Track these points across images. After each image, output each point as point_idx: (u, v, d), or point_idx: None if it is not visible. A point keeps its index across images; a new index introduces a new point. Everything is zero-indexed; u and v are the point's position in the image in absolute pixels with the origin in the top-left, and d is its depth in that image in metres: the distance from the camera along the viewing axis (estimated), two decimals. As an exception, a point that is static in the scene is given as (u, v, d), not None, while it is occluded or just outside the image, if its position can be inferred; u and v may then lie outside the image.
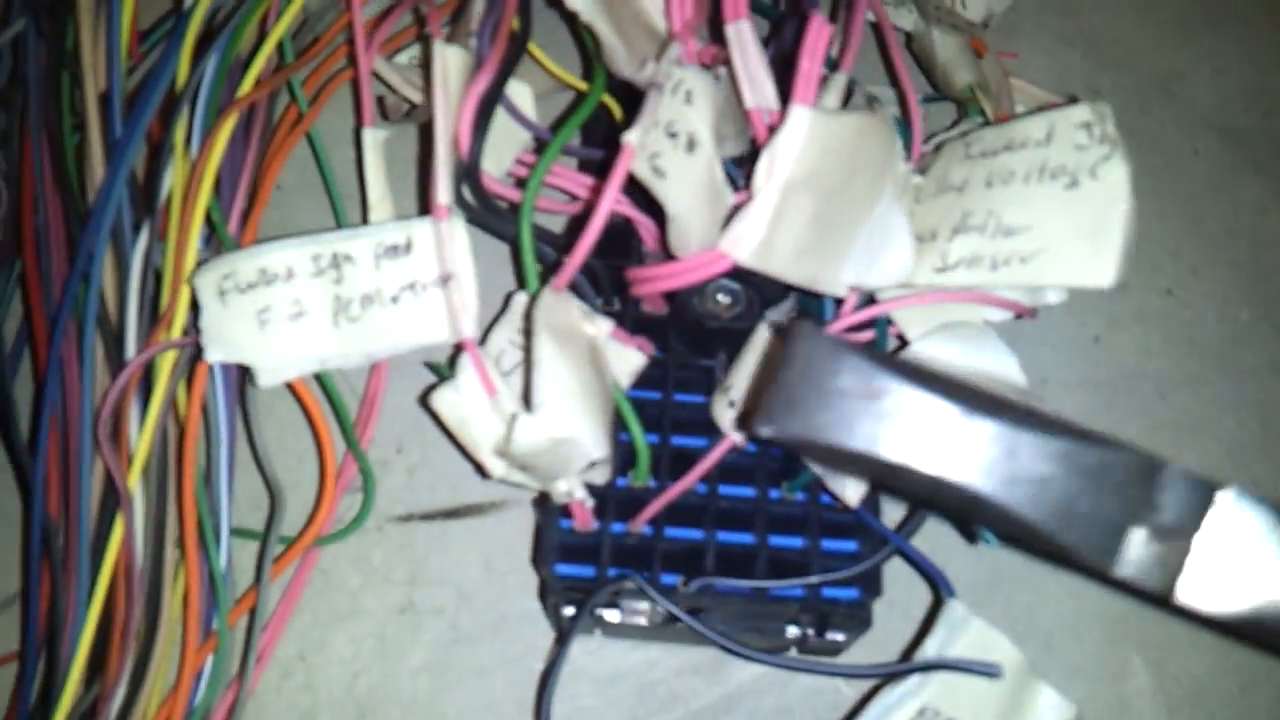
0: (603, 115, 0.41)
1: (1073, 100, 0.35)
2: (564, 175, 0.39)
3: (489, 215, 0.35)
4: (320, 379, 0.39)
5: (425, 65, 0.39)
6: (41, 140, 0.39)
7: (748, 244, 0.32)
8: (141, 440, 0.36)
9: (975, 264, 0.32)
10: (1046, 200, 0.31)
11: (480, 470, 0.34)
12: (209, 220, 0.38)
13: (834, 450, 0.25)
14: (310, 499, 0.40)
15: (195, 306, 0.35)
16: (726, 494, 0.36)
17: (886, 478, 0.25)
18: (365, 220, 0.38)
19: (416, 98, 0.42)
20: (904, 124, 0.38)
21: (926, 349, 0.34)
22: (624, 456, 0.36)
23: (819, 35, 0.32)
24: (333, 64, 0.44)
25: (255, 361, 0.34)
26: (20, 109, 0.42)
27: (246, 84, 0.38)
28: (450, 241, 0.34)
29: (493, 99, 0.35)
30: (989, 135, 0.33)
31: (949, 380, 0.25)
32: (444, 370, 0.38)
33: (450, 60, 0.35)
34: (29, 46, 0.40)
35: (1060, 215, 0.31)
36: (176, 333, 0.36)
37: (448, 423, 0.34)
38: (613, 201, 0.32)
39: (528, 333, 0.34)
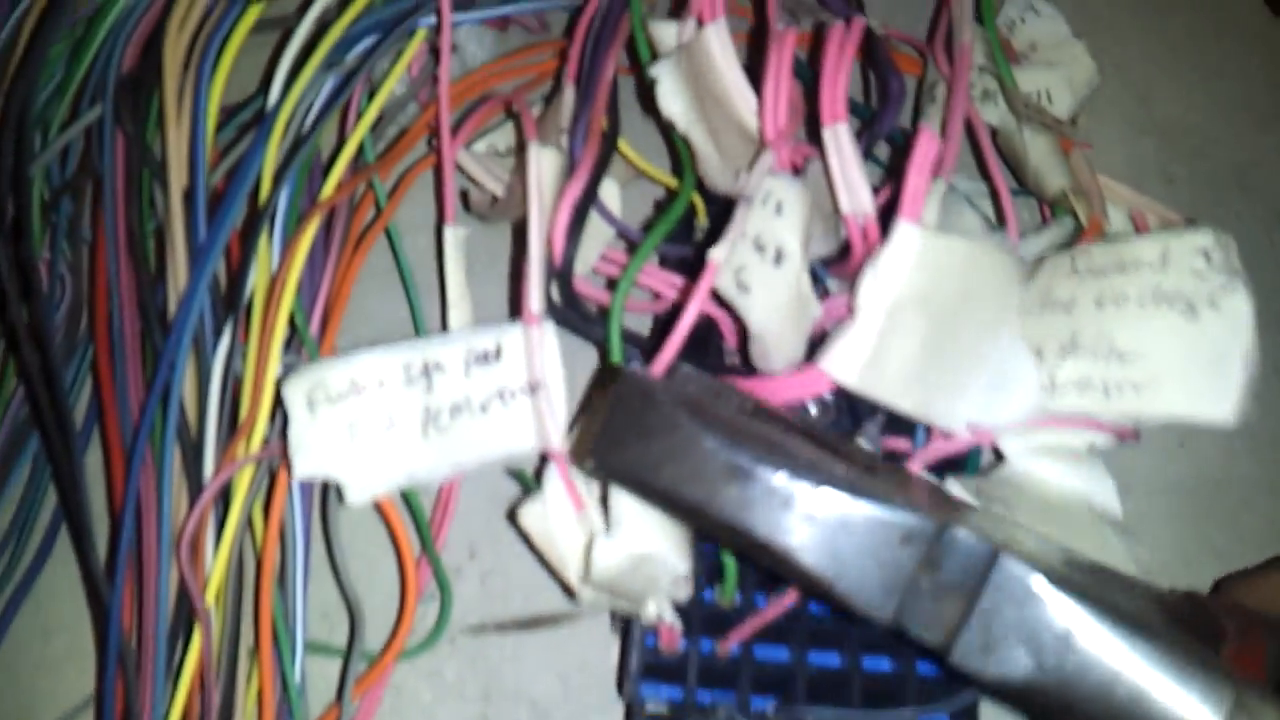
0: (689, 209, 0.40)
1: (1190, 222, 0.35)
2: (649, 273, 0.39)
3: (578, 319, 0.35)
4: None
5: (519, 165, 0.39)
6: (118, 238, 0.38)
7: (852, 365, 0.31)
8: (219, 558, 0.35)
9: (1086, 388, 0.31)
10: (1163, 327, 0.30)
11: (568, 592, 0.33)
12: (291, 323, 0.37)
13: (645, 487, 0.28)
14: (382, 606, 0.40)
15: (279, 416, 0.34)
16: (816, 609, 0.36)
17: (694, 520, 0.28)
18: (443, 314, 0.37)
19: (499, 190, 0.41)
20: (998, 224, 0.38)
21: (1024, 465, 0.33)
22: (709, 568, 0.35)
23: (928, 149, 0.31)
24: (409, 148, 0.43)
25: (344, 477, 0.34)
26: (91, 201, 0.41)
27: (328, 188, 0.38)
28: (540, 349, 0.34)
29: (587, 203, 0.35)
30: (1098, 253, 0.33)
31: (752, 428, 0.27)
32: (527, 479, 0.37)
33: (545, 164, 0.35)
34: (105, 138, 0.39)
35: (1178, 344, 0.30)
36: (256, 443, 0.36)
37: (534, 539, 0.34)
38: (695, 316, 0.32)
39: None
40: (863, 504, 0.26)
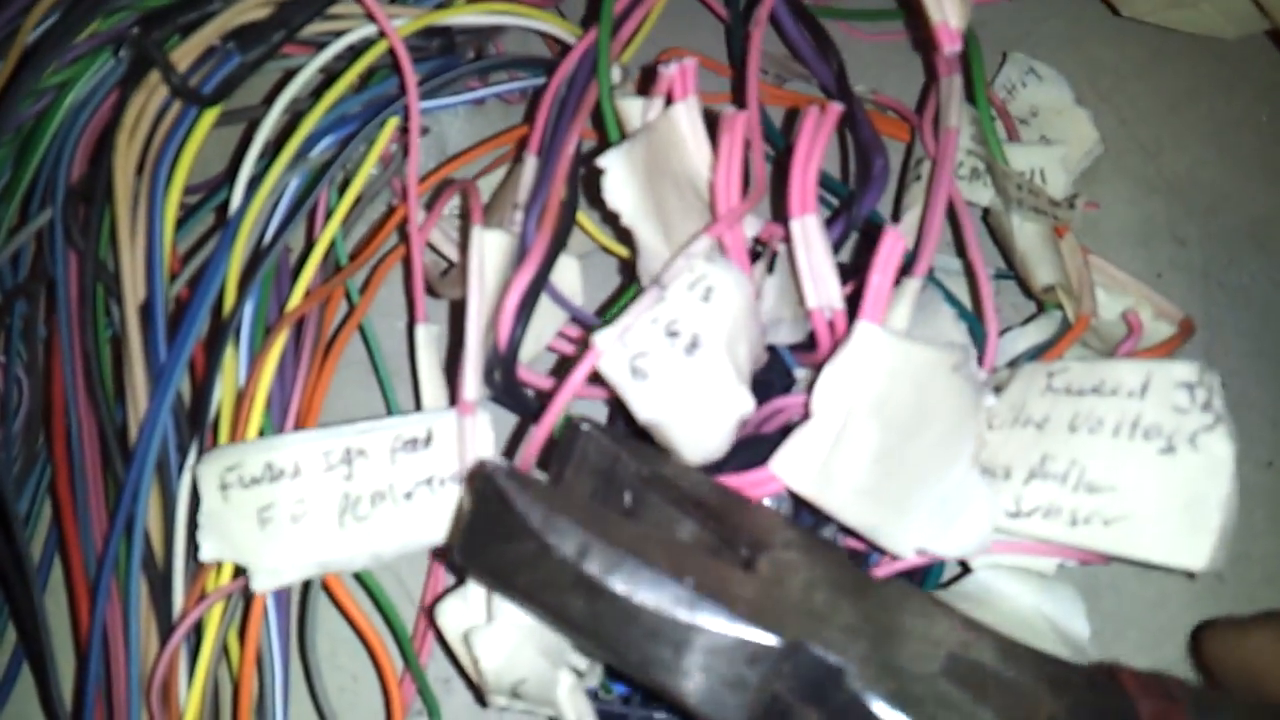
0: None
1: (1186, 328, 0.33)
2: None
3: (521, 407, 0.34)
4: (369, 589, 0.36)
5: (463, 247, 0.37)
6: (74, 356, 0.36)
7: (804, 470, 0.30)
8: (192, 697, 0.33)
9: (1053, 515, 0.30)
10: (1138, 461, 0.29)
11: (480, 700, 0.33)
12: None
13: (504, 590, 0.28)
14: (367, 724, 0.38)
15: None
16: None
17: (555, 627, 0.28)
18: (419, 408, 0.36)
19: (455, 255, 0.40)
20: (975, 317, 0.36)
21: (988, 581, 0.33)
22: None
23: (892, 250, 0.30)
24: (382, 241, 0.41)
25: (251, 563, 0.33)
26: (45, 304, 0.39)
27: (297, 295, 0.36)
28: (474, 440, 0.33)
29: (538, 287, 0.33)
30: (1076, 371, 0.31)
31: (615, 529, 0.26)
32: None
33: (489, 247, 0.34)
34: (56, 249, 0.38)
35: (1152, 482, 0.29)
36: (227, 573, 0.34)
37: (449, 638, 0.33)
38: (563, 404, 0.31)
39: None
40: (706, 620, 0.25)
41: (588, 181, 0.44)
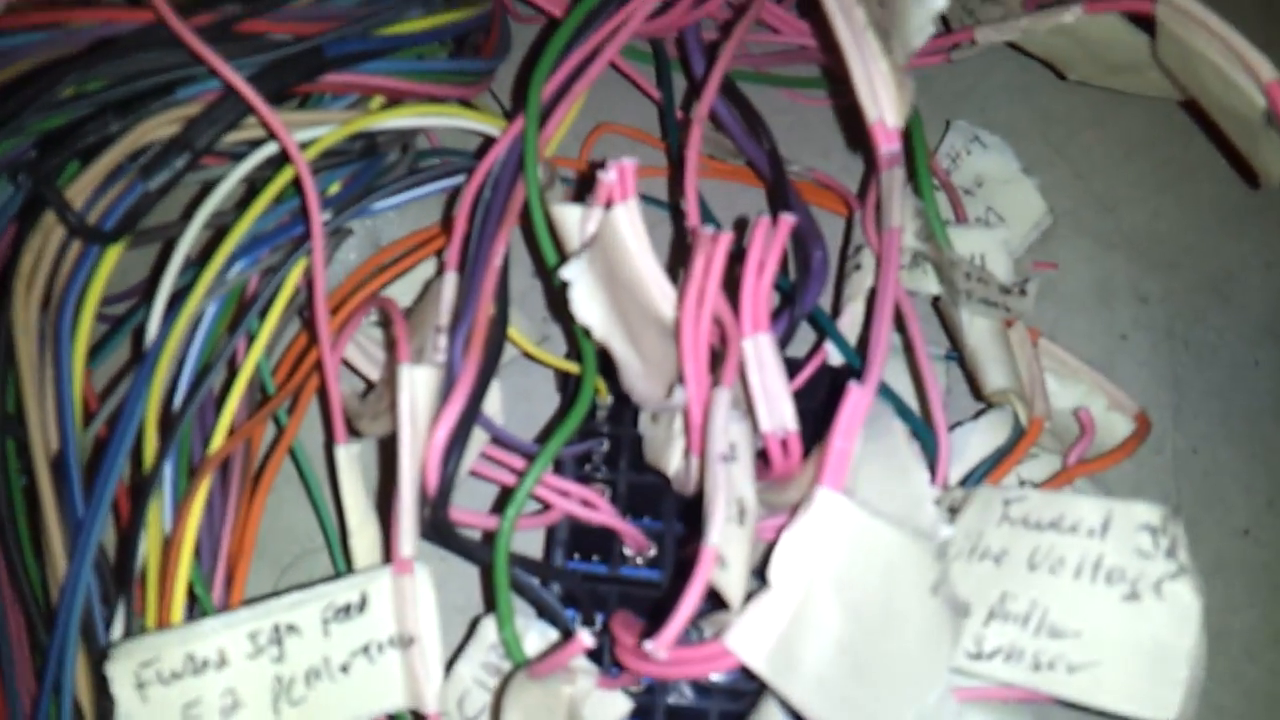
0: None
1: (1143, 420, 0.32)
2: (541, 482, 0.36)
3: (458, 547, 0.32)
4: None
5: (389, 382, 0.36)
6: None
7: (761, 646, 0.28)
8: None
9: (1015, 659, 0.30)
10: (1101, 607, 0.29)
11: None
12: (191, 592, 0.34)
13: None
14: None
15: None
16: None
17: None
18: (344, 540, 0.35)
19: (374, 375, 0.39)
20: (926, 438, 0.35)
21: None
22: None
23: (856, 411, 0.29)
24: (307, 364, 0.40)
25: None
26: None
27: (219, 436, 0.35)
28: (412, 600, 0.32)
29: (468, 425, 0.32)
30: (1034, 503, 0.31)
31: None
32: None
33: (419, 386, 0.33)
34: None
35: (1116, 630, 0.28)
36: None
37: None
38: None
39: (496, 704, 0.31)
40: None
41: (550, 294, 0.44)
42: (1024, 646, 0.29)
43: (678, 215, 0.45)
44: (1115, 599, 0.28)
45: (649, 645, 0.27)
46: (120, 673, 0.30)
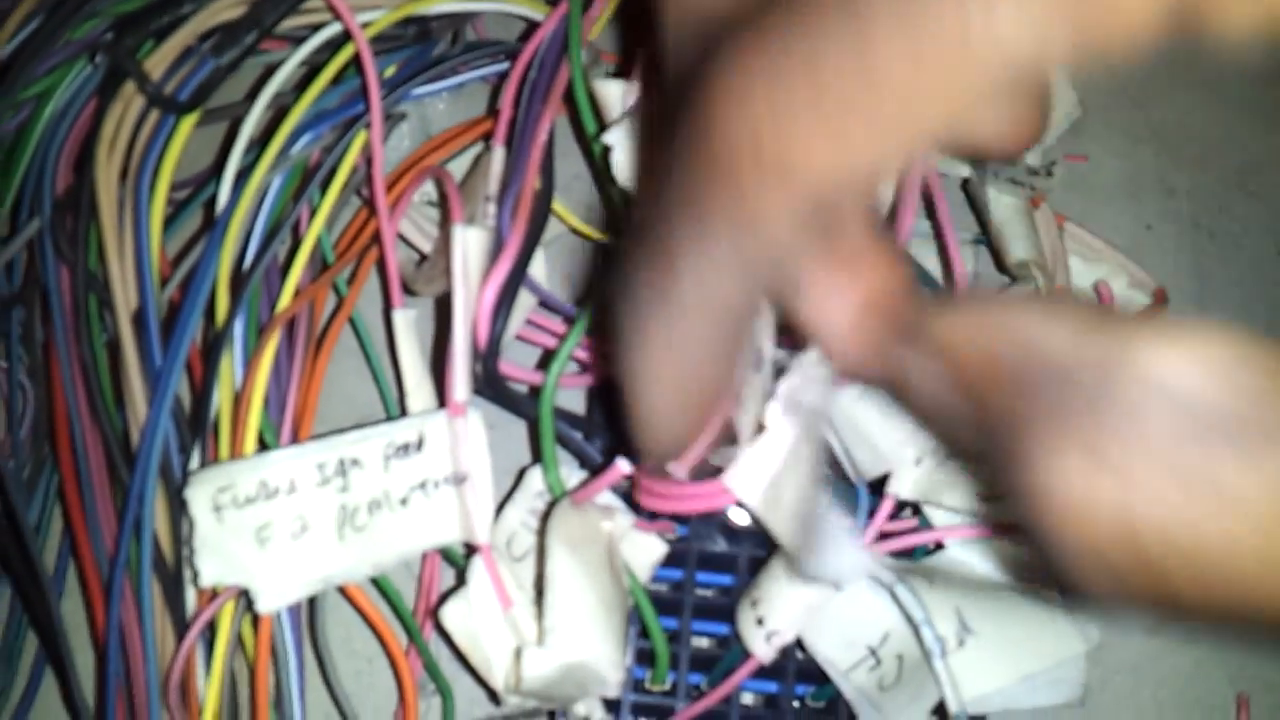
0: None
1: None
2: (581, 343, 0.38)
3: (506, 400, 0.35)
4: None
5: (443, 243, 0.38)
6: (73, 369, 0.37)
7: (755, 487, 0.31)
8: (210, 692, 0.35)
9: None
10: None
11: (492, 697, 0.34)
12: (261, 441, 0.37)
13: None
14: (386, 704, 0.40)
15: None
16: (749, 687, 0.37)
17: None
18: (401, 401, 0.38)
19: (427, 247, 0.41)
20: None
21: (959, 554, 0.34)
22: (640, 652, 0.36)
23: None
24: (370, 233, 0.42)
25: (253, 585, 0.34)
26: (41, 312, 0.41)
27: (286, 295, 0.38)
28: (465, 440, 0.34)
29: (516, 283, 0.35)
30: None
31: None
32: (456, 556, 0.37)
33: (472, 245, 0.35)
34: (47, 262, 0.39)
35: None
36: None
37: (457, 640, 0.34)
38: None
39: (541, 535, 0.33)
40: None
41: (593, 162, 0.45)
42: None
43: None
44: None
45: (672, 465, 0.29)
46: (199, 496, 0.33)
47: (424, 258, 0.42)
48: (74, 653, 0.38)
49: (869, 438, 0.32)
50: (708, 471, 0.34)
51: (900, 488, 0.32)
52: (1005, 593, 0.32)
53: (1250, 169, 0.49)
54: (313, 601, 0.38)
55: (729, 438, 0.31)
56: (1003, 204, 0.40)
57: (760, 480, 0.30)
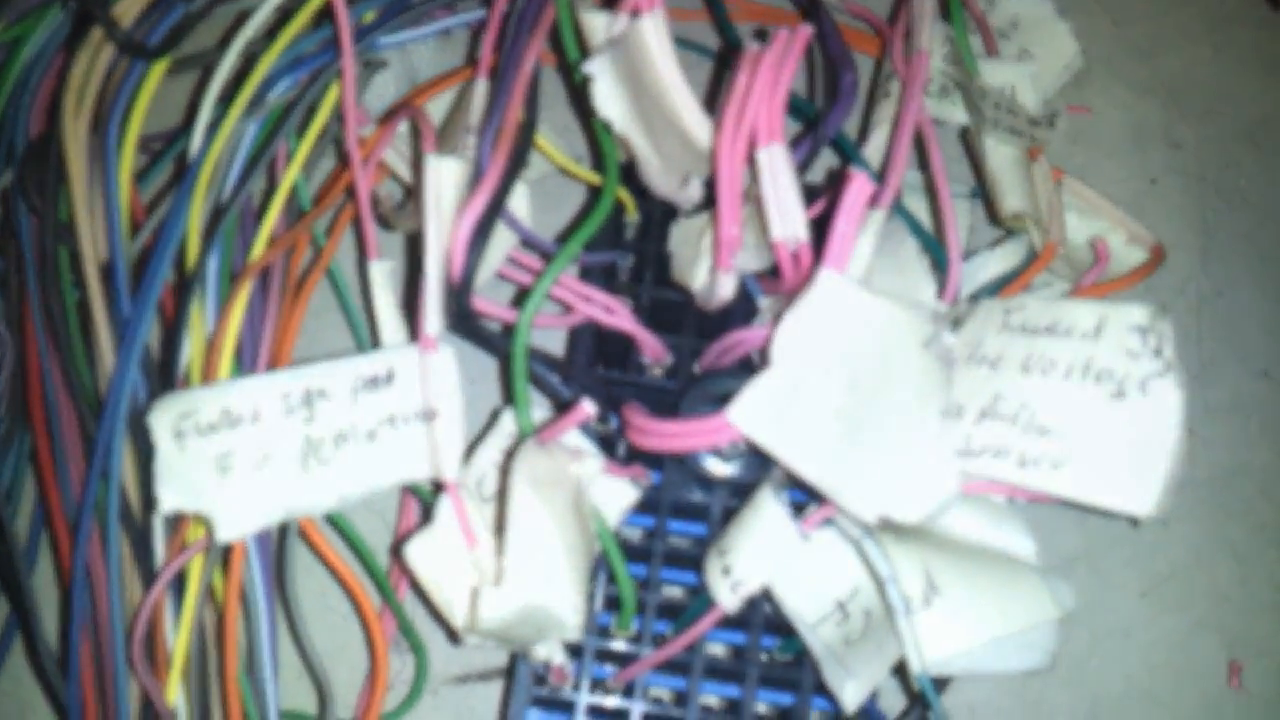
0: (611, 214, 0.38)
1: (1159, 253, 0.32)
2: (562, 284, 0.37)
3: (479, 337, 0.34)
4: (343, 530, 0.37)
5: (416, 178, 0.37)
6: (43, 320, 0.37)
7: (762, 419, 0.30)
8: (178, 643, 0.35)
9: (1001, 456, 0.31)
10: (1088, 405, 0.30)
11: (451, 636, 0.33)
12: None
13: None
14: (359, 662, 0.40)
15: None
16: (716, 638, 0.37)
17: None
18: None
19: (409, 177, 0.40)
20: (939, 245, 0.36)
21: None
22: (606, 598, 0.36)
23: (859, 196, 0.30)
24: (343, 182, 0.41)
25: (213, 513, 0.33)
26: (16, 261, 0.40)
27: (260, 244, 0.37)
28: (437, 376, 0.33)
29: (492, 215, 0.33)
30: (1033, 310, 0.32)
31: None
32: (426, 495, 0.37)
33: (445, 176, 0.34)
34: (17, 213, 0.38)
35: (1101, 427, 0.30)
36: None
37: (420, 578, 0.34)
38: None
39: (505, 473, 0.33)
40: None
41: (574, 94, 0.44)
42: (1011, 444, 0.30)
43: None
44: (1102, 397, 0.29)
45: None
46: (160, 422, 0.32)
47: (408, 192, 0.41)
48: (42, 610, 0.38)
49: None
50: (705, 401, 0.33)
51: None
52: (978, 554, 0.31)
53: (1258, 123, 0.47)
54: (282, 557, 0.37)
55: None
56: (1000, 154, 0.39)
57: (768, 414, 0.30)
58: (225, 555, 0.36)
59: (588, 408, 0.30)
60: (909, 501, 0.29)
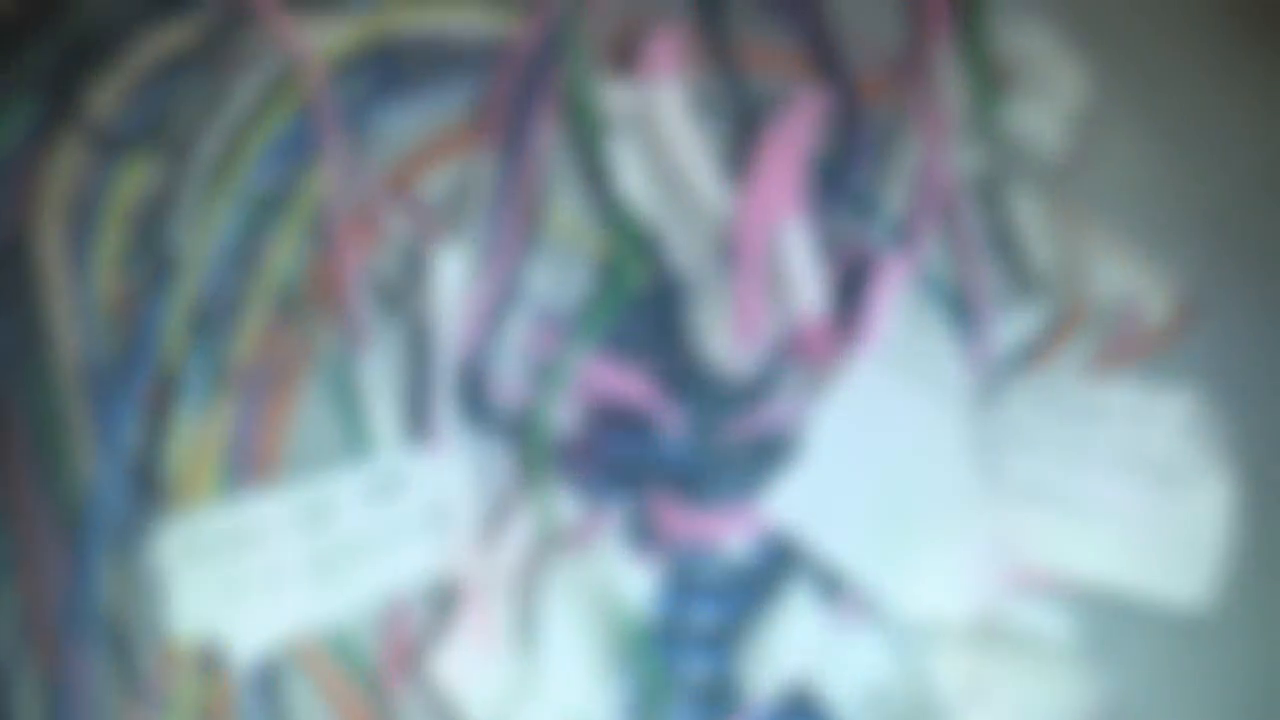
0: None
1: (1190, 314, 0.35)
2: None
3: (494, 429, 0.34)
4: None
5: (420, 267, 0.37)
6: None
7: (797, 508, 0.30)
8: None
9: (1044, 543, 0.31)
10: (1131, 494, 0.30)
11: None
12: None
13: None
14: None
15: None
16: None
17: None
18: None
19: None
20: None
21: None
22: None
23: (895, 274, 0.31)
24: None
25: (228, 635, 0.33)
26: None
27: (245, 340, 0.36)
28: (447, 476, 0.34)
29: (505, 301, 0.34)
30: (1069, 387, 0.33)
31: None
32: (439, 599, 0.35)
33: (451, 265, 0.34)
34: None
35: (1146, 515, 0.30)
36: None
37: (438, 688, 0.33)
38: None
39: (528, 576, 0.33)
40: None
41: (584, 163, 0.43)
42: (1053, 531, 0.30)
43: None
44: (1147, 486, 0.29)
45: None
46: (167, 548, 0.32)
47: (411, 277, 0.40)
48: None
49: None
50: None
51: None
52: (1021, 645, 0.31)
53: (1275, 163, 0.46)
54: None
55: None
56: (1024, 206, 0.39)
57: (803, 502, 0.30)
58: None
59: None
60: (952, 596, 0.29)
